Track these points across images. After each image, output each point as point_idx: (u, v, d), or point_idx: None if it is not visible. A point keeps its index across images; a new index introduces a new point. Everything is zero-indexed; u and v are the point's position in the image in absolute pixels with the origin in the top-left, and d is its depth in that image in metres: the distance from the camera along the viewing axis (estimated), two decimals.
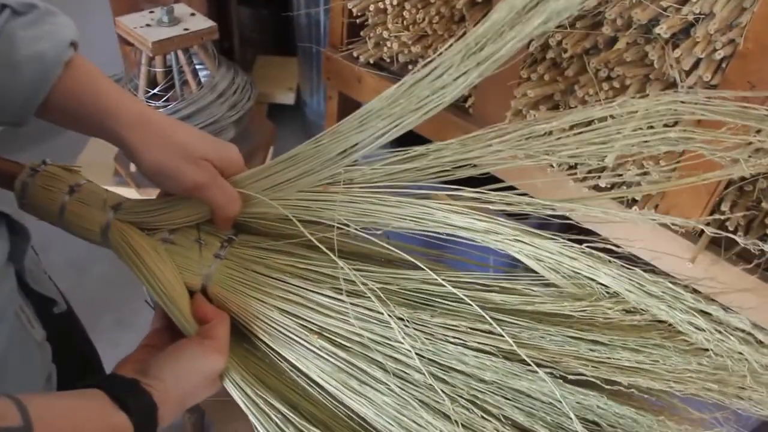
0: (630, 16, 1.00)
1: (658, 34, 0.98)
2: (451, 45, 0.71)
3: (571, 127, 0.72)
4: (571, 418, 0.63)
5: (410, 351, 0.66)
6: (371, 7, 1.44)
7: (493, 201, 0.70)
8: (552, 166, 1.16)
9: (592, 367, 0.65)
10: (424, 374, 0.66)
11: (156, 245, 0.75)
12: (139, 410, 0.61)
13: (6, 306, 0.66)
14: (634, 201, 1.15)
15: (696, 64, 0.98)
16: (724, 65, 0.96)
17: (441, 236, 0.74)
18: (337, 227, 0.71)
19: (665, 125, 0.70)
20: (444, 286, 0.69)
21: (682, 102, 0.70)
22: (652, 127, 0.69)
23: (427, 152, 0.73)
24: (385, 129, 0.73)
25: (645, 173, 1.09)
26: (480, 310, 0.66)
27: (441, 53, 0.72)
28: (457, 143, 0.75)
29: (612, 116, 0.70)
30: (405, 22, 1.40)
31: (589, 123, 0.74)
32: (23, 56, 0.67)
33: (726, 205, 1.05)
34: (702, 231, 1.11)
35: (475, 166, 0.73)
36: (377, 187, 0.75)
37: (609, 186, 1.14)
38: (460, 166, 0.74)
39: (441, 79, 0.71)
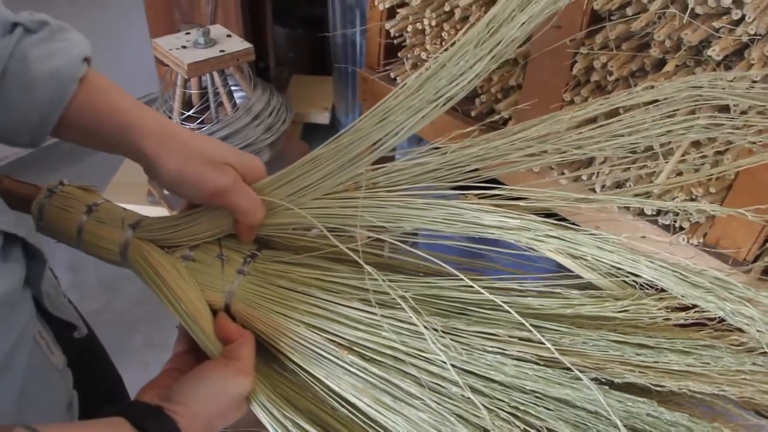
0: (679, 37, 0.97)
1: (710, 56, 0.94)
2: (464, 32, 0.69)
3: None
4: (618, 428, 0.60)
5: (446, 363, 0.63)
6: (409, 28, 1.43)
7: (525, 198, 0.68)
8: (593, 190, 1.12)
9: (639, 372, 0.61)
10: (461, 387, 0.62)
11: (176, 263, 0.73)
12: None
13: (24, 331, 0.64)
14: (682, 228, 1.11)
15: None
16: None
17: (479, 248, 0.71)
18: (363, 233, 0.69)
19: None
20: (479, 292, 0.65)
21: (709, 85, 0.68)
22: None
23: (448, 148, 0.71)
24: (405, 122, 0.71)
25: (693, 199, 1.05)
26: (519, 317, 0.63)
27: (454, 42, 0.71)
28: (481, 139, 0.73)
29: (639, 105, 0.68)
30: (444, 43, 1.38)
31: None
32: (37, 74, 0.66)
33: None
34: (756, 258, 1.06)
35: (501, 164, 0.72)
36: (402, 189, 0.73)
37: (654, 212, 1.11)
38: (483, 168, 0.71)
39: (458, 66, 0.69)
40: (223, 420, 0.67)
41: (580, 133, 0.70)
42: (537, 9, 0.65)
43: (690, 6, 0.94)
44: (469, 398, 0.62)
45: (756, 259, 1.06)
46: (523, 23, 0.65)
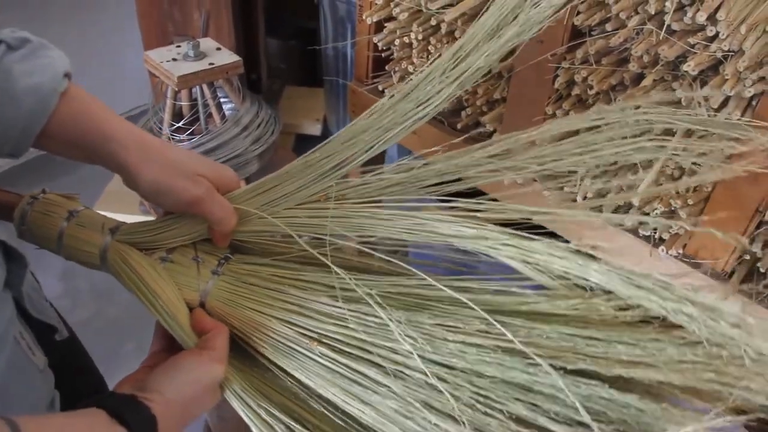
0: (657, 52, 0.99)
1: (686, 71, 0.96)
2: (433, 62, 0.72)
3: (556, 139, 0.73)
4: (574, 408, 0.62)
5: (412, 352, 0.65)
6: (397, 42, 1.45)
7: (481, 210, 0.71)
8: (574, 200, 1.14)
9: (591, 360, 0.64)
10: (425, 373, 0.65)
11: (154, 263, 0.76)
12: (138, 423, 0.61)
13: (5, 332, 0.66)
14: (662, 240, 1.12)
15: (725, 102, 0.96)
16: (754, 103, 0.94)
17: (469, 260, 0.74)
18: (331, 240, 0.72)
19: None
20: (440, 289, 0.68)
21: (651, 112, 0.71)
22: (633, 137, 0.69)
23: (415, 165, 0.74)
24: (372, 142, 0.74)
25: (672, 212, 1.07)
26: (478, 310, 0.65)
27: (423, 70, 0.73)
28: (443, 157, 0.76)
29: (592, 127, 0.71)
30: (430, 57, 1.40)
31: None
32: (20, 89, 0.69)
33: (757, 246, 1.02)
34: (732, 273, 1.08)
35: (462, 179, 0.74)
36: (369, 201, 0.76)
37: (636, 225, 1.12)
38: (447, 181, 0.74)
39: (425, 91, 0.72)
40: (198, 406, 0.69)
41: (550, 147, 0.72)
42: (499, 43, 0.68)
43: (666, 23, 0.96)
44: (432, 385, 0.65)
45: (732, 273, 1.08)
46: (487, 54, 0.68)
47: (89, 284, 2.27)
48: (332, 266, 0.69)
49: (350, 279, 0.69)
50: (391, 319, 0.66)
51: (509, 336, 0.63)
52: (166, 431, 0.63)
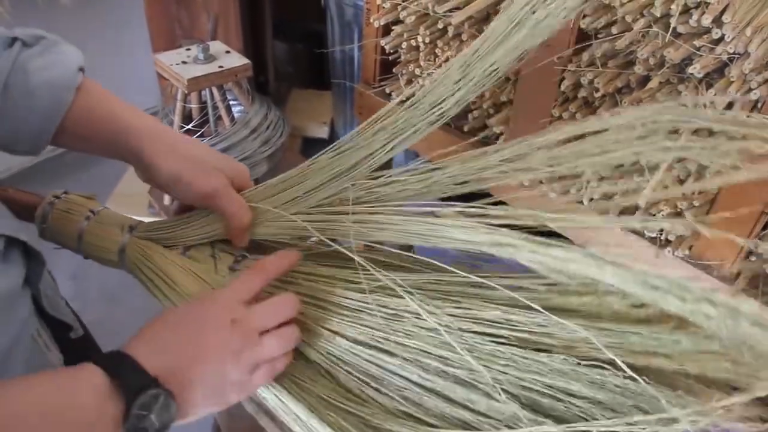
0: (662, 55, 0.99)
1: (692, 74, 0.97)
2: (447, 66, 0.72)
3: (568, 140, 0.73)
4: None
5: (440, 329, 0.66)
6: (404, 45, 1.45)
7: (497, 215, 0.71)
8: (581, 203, 1.15)
9: (605, 347, 0.64)
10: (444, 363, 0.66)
11: (175, 255, 0.77)
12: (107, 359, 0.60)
13: (23, 329, 0.67)
14: (668, 242, 1.13)
15: (731, 104, 0.96)
16: (759, 105, 0.94)
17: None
18: (353, 241, 0.73)
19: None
20: (457, 282, 0.71)
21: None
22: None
23: (427, 169, 0.74)
24: (385, 146, 0.74)
25: (678, 214, 1.07)
26: (505, 289, 0.67)
27: (436, 73, 0.74)
28: (456, 160, 0.75)
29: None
30: (437, 60, 1.41)
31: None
32: (36, 85, 0.70)
33: (765, 247, 1.02)
34: (738, 273, 1.08)
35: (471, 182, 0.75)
36: (386, 204, 0.76)
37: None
38: (462, 182, 0.74)
39: (438, 93, 0.72)
40: (198, 319, 0.65)
41: (563, 149, 0.72)
42: (509, 45, 0.67)
43: (672, 25, 0.96)
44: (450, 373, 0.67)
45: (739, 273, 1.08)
46: (500, 58, 0.68)
47: (99, 287, 2.28)
48: (357, 258, 0.70)
49: (379, 271, 0.69)
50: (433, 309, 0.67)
51: (524, 328, 0.66)
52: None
